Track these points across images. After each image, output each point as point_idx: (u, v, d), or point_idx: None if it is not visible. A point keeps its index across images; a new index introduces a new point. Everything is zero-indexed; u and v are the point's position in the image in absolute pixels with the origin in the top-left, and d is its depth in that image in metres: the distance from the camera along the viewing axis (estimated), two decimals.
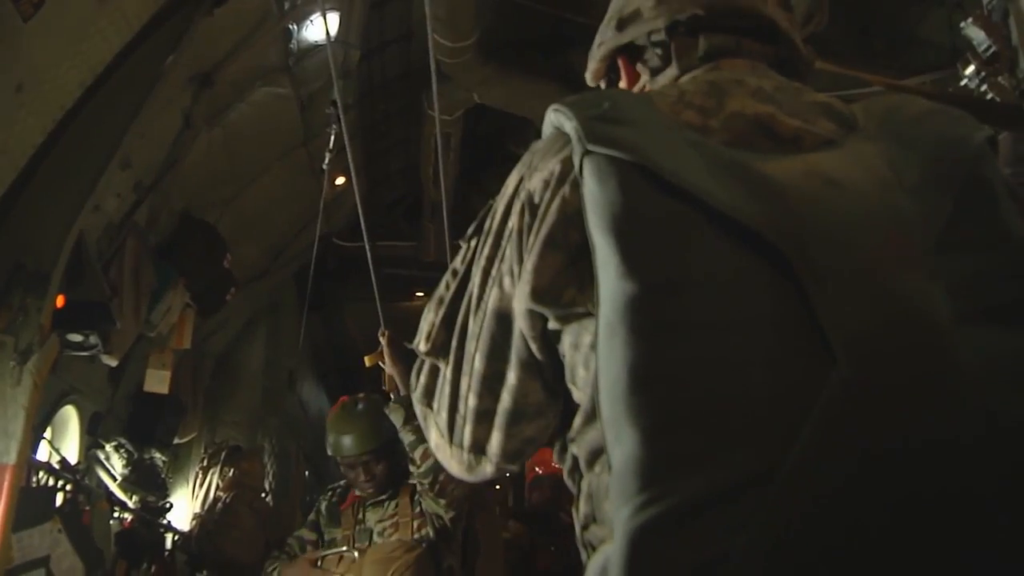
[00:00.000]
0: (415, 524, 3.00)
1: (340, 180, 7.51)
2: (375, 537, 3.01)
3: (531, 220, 0.90)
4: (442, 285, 1.05)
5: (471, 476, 1.04)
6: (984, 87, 3.19)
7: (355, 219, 4.98)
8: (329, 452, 3.20)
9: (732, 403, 0.70)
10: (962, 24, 3.31)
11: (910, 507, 0.67)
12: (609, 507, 0.75)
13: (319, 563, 2.96)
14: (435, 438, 1.06)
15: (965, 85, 3.33)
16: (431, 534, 2.96)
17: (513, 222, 0.93)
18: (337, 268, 9.88)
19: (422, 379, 1.08)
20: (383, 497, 3.12)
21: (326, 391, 11.54)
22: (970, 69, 3.29)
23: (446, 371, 1.02)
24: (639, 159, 0.79)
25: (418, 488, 3.00)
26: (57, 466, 4.42)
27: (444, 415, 1.02)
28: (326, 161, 5.87)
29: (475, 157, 9.33)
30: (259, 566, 3.38)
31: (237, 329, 8.29)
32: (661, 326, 0.74)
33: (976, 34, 3.23)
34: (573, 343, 0.88)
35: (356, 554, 2.92)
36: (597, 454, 0.87)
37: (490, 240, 0.97)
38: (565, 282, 0.86)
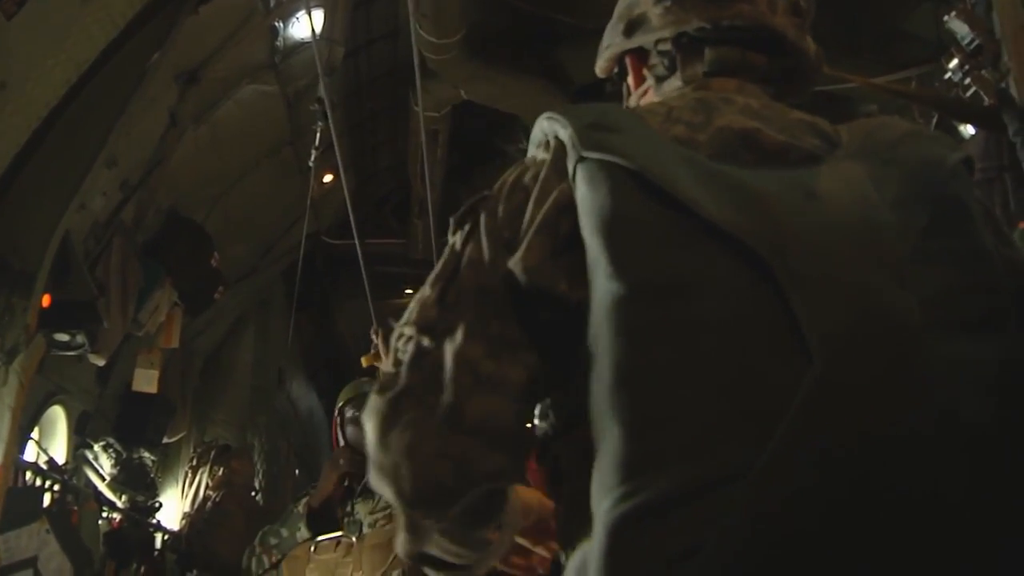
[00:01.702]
0: None
1: (328, 178, 7.49)
2: (365, 529, 2.98)
3: (529, 197, 0.90)
4: (440, 266, 0.95)
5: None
6: (968, 80, 3.21)
7: (343, 217, 4.99)
8: (339, 404, 3.20)
9: (712, 401, 0.73)
10: (945, 18, 3.33)
11: (875, 501, 0.69)
12: (593, 503, 0.76)
13: (312, 549, 2.92)
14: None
15: (949, 79, 3.35)
16: None
17: (516, 196, 0.92)
18: (326, 265, 9.86)
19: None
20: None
21: (316, 389, 11.49)
22: (954, 63, 3.31)
23: (436, 348, 0.90)
24: (631, 164, 0.81)
25: None
26: (45, 466, 4.41)
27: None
28: (312, 158, 5.87)
29: (464, 154, 9.31)
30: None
31: (225, 328, 8.25)
32: (645, 326, 0.76)
33: (960, 27, 3.25)
34: (564, 338, 0.87)
35: (354, 538, 2.89)
36: (581, 452, 0.85)
37: (492, 207, 0.93)
38: (556, 273, 0.86)
